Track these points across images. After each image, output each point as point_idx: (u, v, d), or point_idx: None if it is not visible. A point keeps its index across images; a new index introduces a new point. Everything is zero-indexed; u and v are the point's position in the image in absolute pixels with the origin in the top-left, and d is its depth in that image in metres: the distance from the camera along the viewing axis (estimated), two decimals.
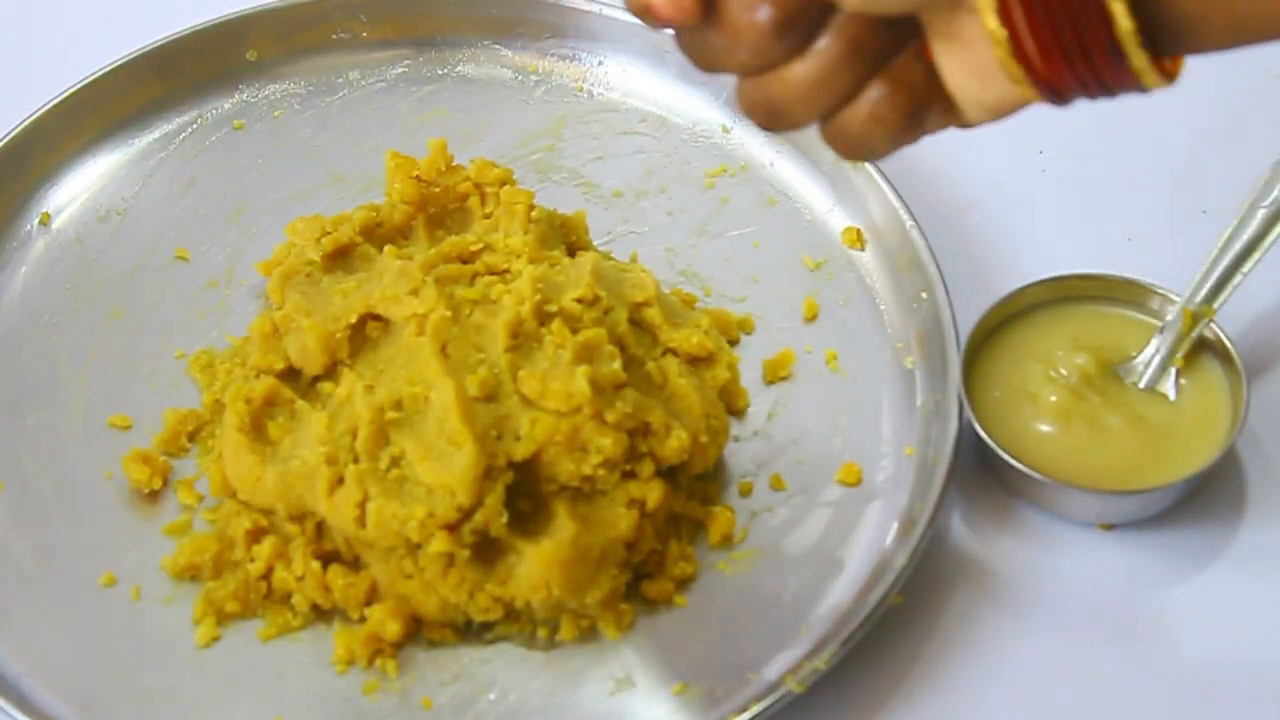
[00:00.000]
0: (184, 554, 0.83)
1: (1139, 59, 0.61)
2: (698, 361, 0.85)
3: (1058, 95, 0.62)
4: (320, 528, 0.81)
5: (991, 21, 0.61)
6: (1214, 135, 0.99)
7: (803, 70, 0.64)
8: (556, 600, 0.78)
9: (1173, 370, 0.86)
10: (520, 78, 1.01)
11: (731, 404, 0.87)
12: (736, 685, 0.78)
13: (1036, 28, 0.60)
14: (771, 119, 0.66)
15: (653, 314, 0.84)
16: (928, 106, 0.65)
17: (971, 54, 0.63)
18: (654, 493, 0.80)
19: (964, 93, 0.64)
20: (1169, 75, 0.62)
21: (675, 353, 0.85)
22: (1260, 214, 0.86)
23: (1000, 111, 0.65)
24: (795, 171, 0.95)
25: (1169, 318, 0.87)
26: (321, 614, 0.82)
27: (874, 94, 0.64)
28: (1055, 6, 0.60)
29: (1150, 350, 0.87)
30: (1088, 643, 0.81)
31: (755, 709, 0.77)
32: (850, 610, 0.79)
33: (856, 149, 0.66)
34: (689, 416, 0.82)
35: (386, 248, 0.87)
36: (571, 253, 0.88)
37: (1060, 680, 0.80)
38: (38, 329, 0.92)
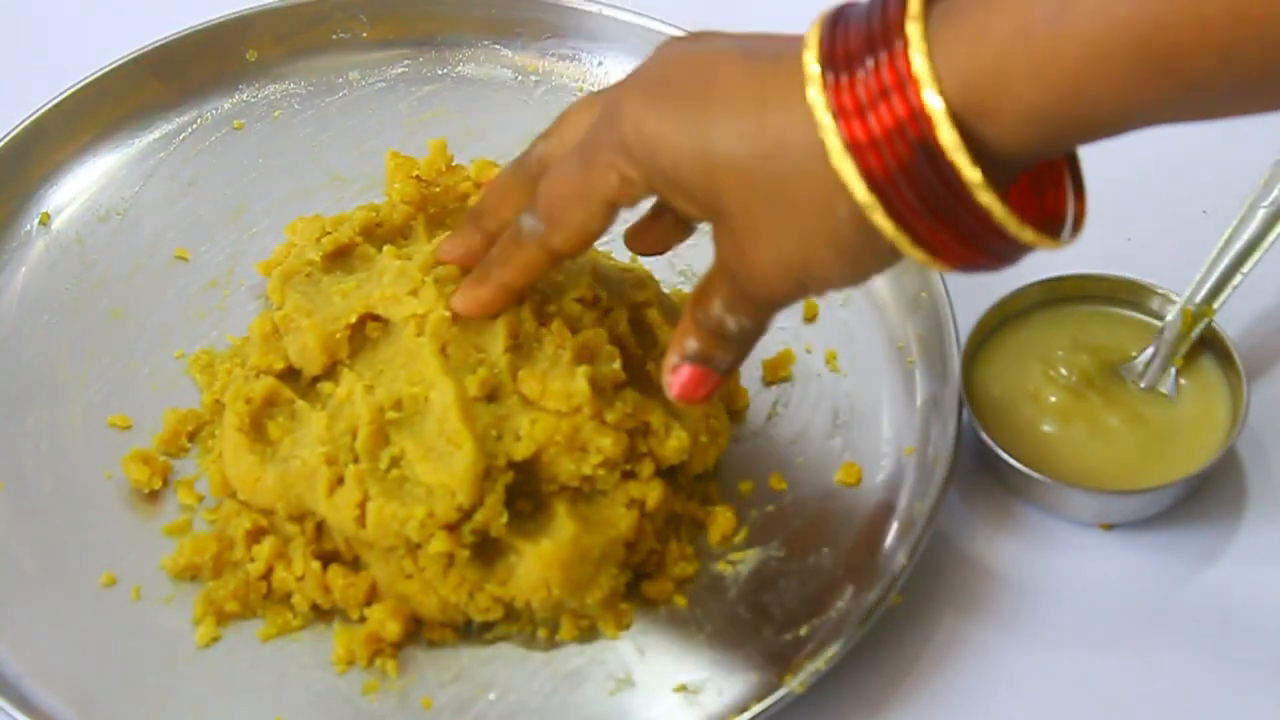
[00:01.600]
0: (184, 554, 0.83)
1: (1000, 212, 0.62)
2: None
3: (964, 267, 0.65)
4: (320, 528, 0.81)
5: (909, 249, 0.64)
6: (1214, 135, 0.98)
7: None
8: (556, 600, 0.78)
9: (1173, 370, 0.86)
10: (520, 78, 1.01)
11: (731, 404, 0.87)
12: (736, 685, 0.78)
13: (924, 226, 0.63)
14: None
15: (653, 314, 0.84)
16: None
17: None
18: (654, 493, 0.80)
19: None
20: (1077, 224, 0.66)
21: None
22: (1260, 214, 0.87)
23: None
24: None
25: (1169, 318, 0.87)
26: (321, 614, 0.82)
27: None
28: (932, 203, 0.62)
29: (1150, 350, 0.87)
30: (1088, 643, 0.81)
31: (755, 709, 0.77)
32: (850, 610, 0.79)
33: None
34: (689, 416, 0.82)
35: (386, 248, 0.87)
36: None
37: (1060, 680, 0.80)
38: (38, 329, 0.92)
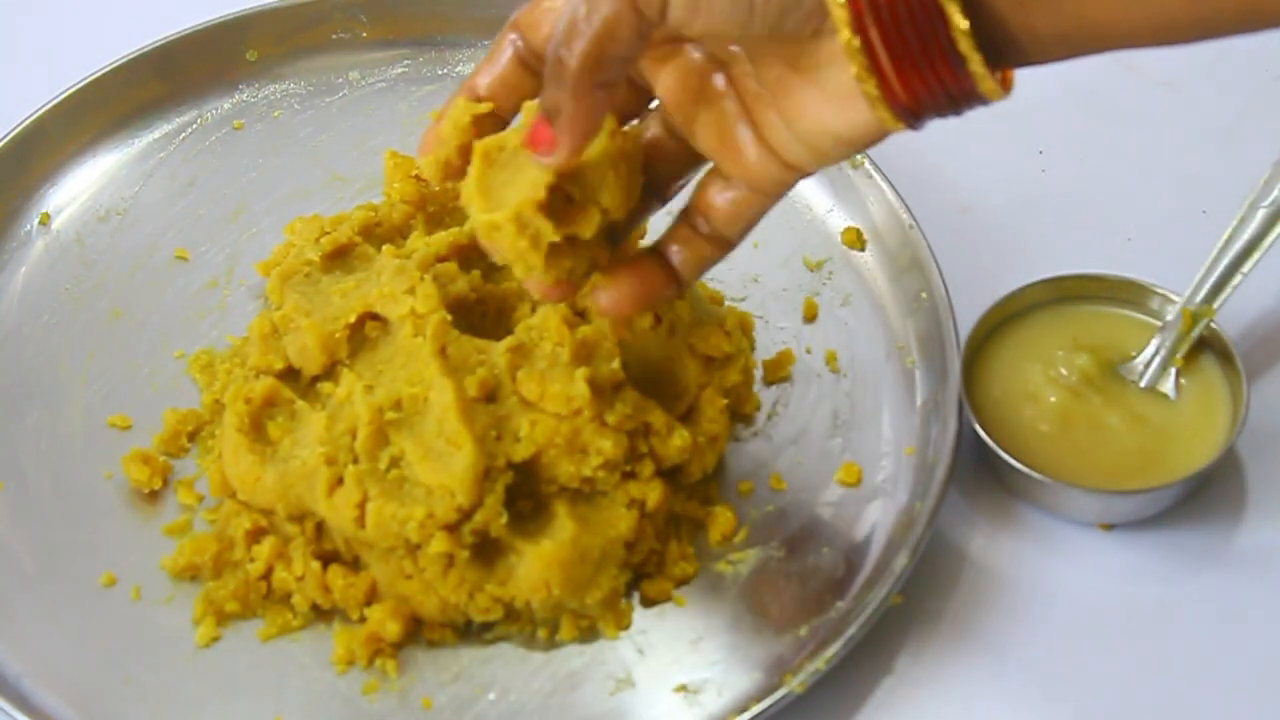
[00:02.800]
0: (184, 554, 0.83)
1: (976, 62, 0.65)
2: (712, 361, 0.85)
3: (908, 110, 0.67)
4: (320, 528, 0.81)
5: (847, 34, 0.65)
6: (1214, 135, 0.99)
7: None
8: (556, 600, 0.78)
9: (1173, 370, 0.86)
10: None
11: (739, 407, 0.87)
12: (737, 685, 0.78)
13: (887, 39, 0.65)
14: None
15: (681, 306, 0.85)
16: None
17: (830, 78, 0.67)
18: (654, 493, 0.80)
19: (823, 121, 0.68)
20: (1005, 86, 0.67)
21: (693, 349, 0.85)
22: (1260, 214, 0.87)
23: (849, 146, 0.69)
24: None
25: (1169, 318, 0.87)
26: (321, 614, 0.82)
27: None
28: (902, 18, 0.64)
29: (1150, 350, 0.87)
30: (1088, 643, 0.81)
31: (755, 709, 0.77)
32: (850, 610, 0.79)
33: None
34: (690, 419, 0.83)
35: (385, 247, 0.87)
36: None
37: (1060, 680, 0.80)
38: (38, 329, 0.92)
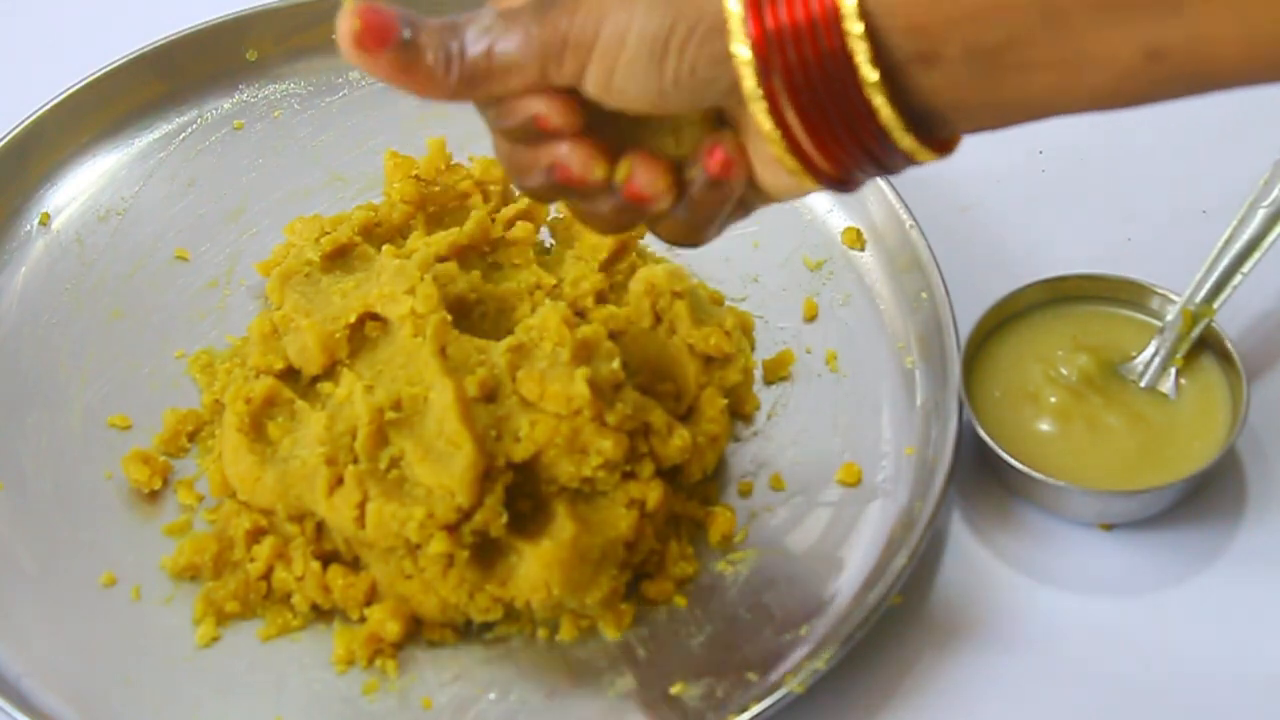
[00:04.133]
0: (184, 554, 0.83)
1: (907, 142, 0.63)
2: (712, 361, 0.85)
3: (837, 182, 0.65)
4: (320, 528, 0.81)
5: (765, 123, 0.63)
6: (1214, 135, 0.99)
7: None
8: (556, 600, 0.78)
9: (1173, 370, 0.86)
10: None
11: (739, 407, 0.87)
12: (736, 685, 0.78)
13: (808, 124, 0.63)
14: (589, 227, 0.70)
15: (681, 306, 0.85)
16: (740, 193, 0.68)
17: (761, 146, 0.66)
18: (654, 493, 0.80)
19: (764, 181, 0.67)
20: (945, 148, 0.65)
21: (693, 349, 0.85)
22: (1260, 214, 0.87)
23: (797, 194, 0.68)
24: None
25: (1169, 318, 0.87)
26: (321, 614, 0.82)
27: (679, 216, 0.68)
28: (824, 104, 0.62)
29: (1150, 350, 0.87)
30: (1088, 643, 0.81)
31: (755, 709, 0.77)
32: (850, 610, 0.79)
33: (672, 241, 0.70)
34: (699, 417, 0.83)
35: (385, 247, 0.87)
36: None
37: (1060, 680, 0.80)
38: (38, 329, 0.92)
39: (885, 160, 0.64)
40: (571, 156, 0.66)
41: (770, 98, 0.63)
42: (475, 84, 0.66)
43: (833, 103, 0.62)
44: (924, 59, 0.61)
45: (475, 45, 0.65)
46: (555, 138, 0.66)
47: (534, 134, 0.66)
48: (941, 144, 0.65)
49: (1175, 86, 0.61)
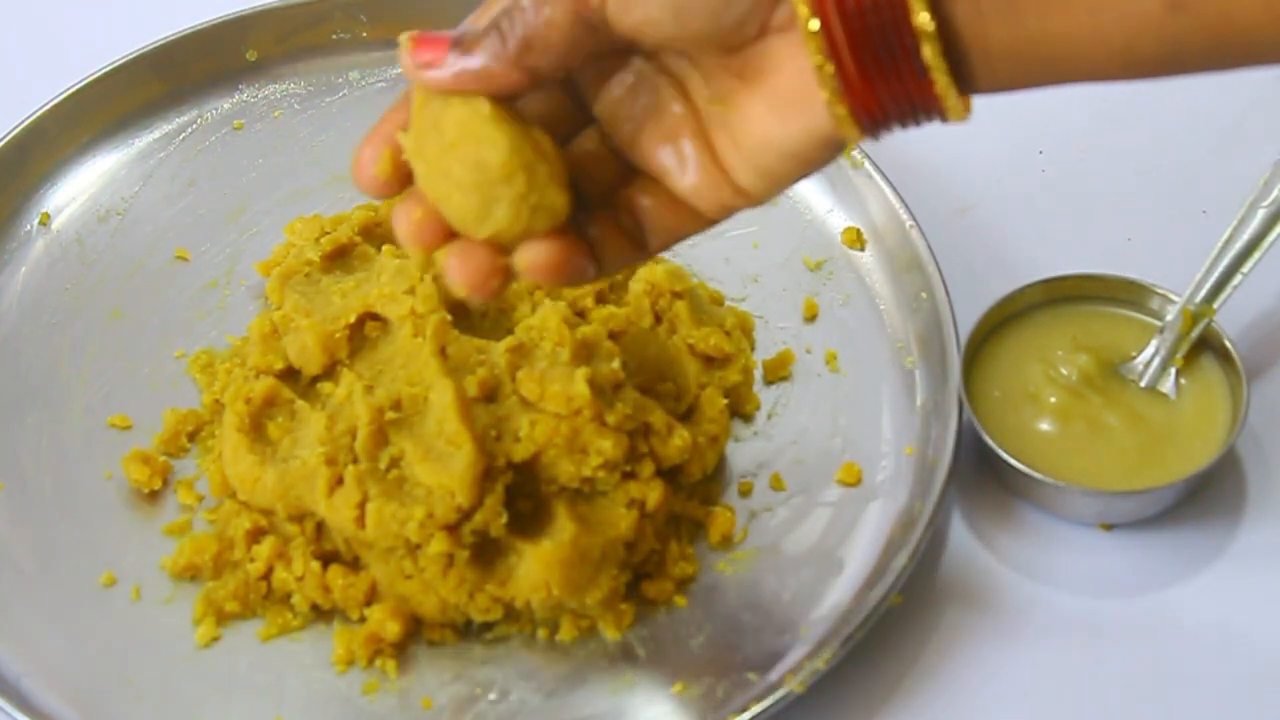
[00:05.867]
0: (184, 554, 0.83)
1: (939, 68, 0.61)
2: (712, 361, 0.85)
3: (868, 112, 0.63)
4: (320, 528, 0.81)
5: (818, 57, 0.61)
6: (1214, 135, 0.99)
7: None
8: (556, 600, 0.78)
9: (1173, 370, 0.86)
10: None
11: (739, 407, 0.87)
12: (736, 685, 0.78)
13: (852, 36, 0.61)
14: None
15: (681, 306, 0.85)
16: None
17: (775, 84, 0.64)
18: (654, 493, 0.80)
19: (767, 134, 0.64)
20: (969, 107, 0.63)
21: (693, 349, 0.85)
22: (1260, 214, 0.87)
23: (795, 161, 0.65)
24: None
25: (1169, 318, 0.87)
26: (321, 614, 0.82)
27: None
28: (875, 43, 0.61)
29: (1150, 350, 0.87)
30: (1088, 643, 0.81)
31: (755, 709, 0.77)
32: (850, 610, 0.79)
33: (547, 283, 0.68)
34: (700, 417, 0.83)
35: (385, 247, 0.87)
36: None
37: (1060, 680, 0.80)
38: (38, 329, 0.92)
39: (924, 113, 0.63)
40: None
41: (826, 31, 0.61)
42: (529, 43, 0.64)
43: (884, 45, 0.61)
44: None
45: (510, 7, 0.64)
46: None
47: None
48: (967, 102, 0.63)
49: (1193, 46, 0.59)
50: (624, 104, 0.67)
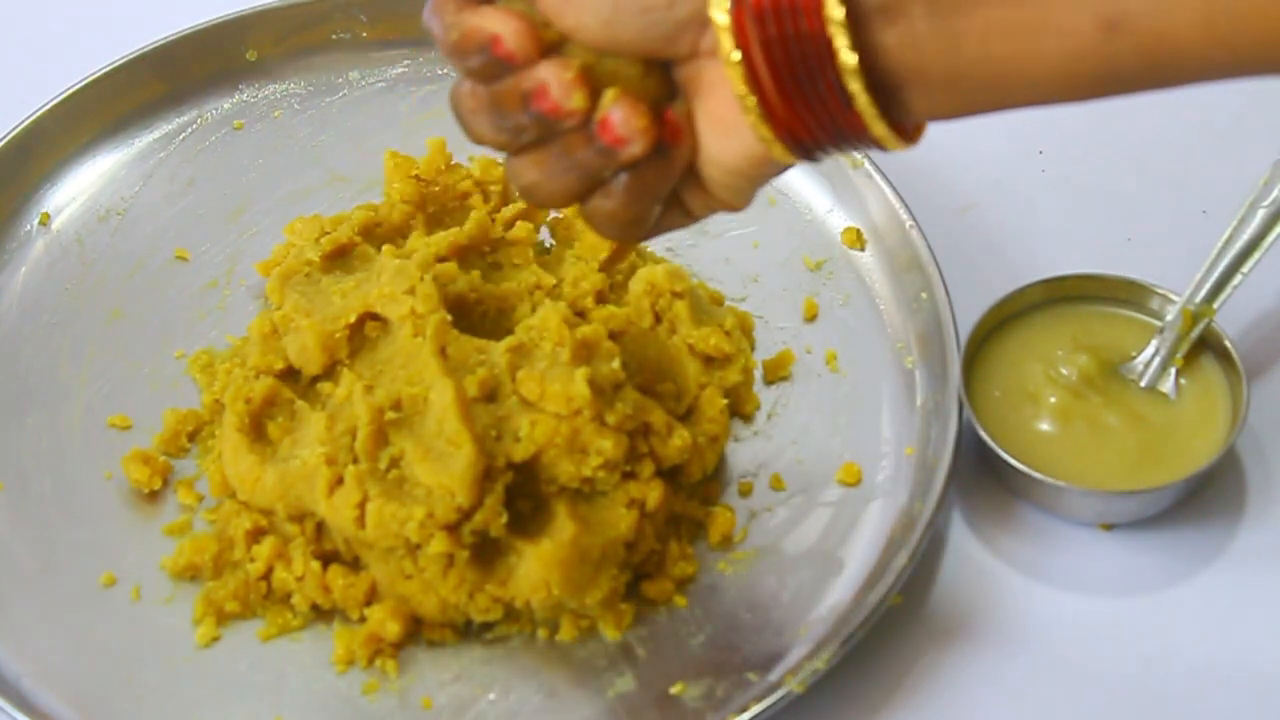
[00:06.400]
0: (184, 554, 0.83)
1: (879, 129, 0.62)
2: (712, 361, 0.85)
3: (796, 139, 0.64)
4: (320, 528, 0.81)
5: (740, 86, 0.62)
6: (1214, 135, 0.99)
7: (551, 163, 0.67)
8: (556, 600, 0.78)
9: (1173, 370, 0.86)
10: None
11: (739, 407, 0.87)
12: (736, 685, 0.78)
13: (774, 68, 0.62)
14: (528, 198, 0.69)
15: (681, 306, 0.85)
16: (665, 196, 0.67)
17: (714, 102, 0.65)
18: (654, 493, 0.80)
19: (709, 150, 0.66)
20: (908, 137, 0.64)
21: (693, 349, 0.85)
22: (1260, 214, 0.87)
23: (740, 176, 0.66)
24: (795, 171, 0.94)
25: (1169, 318, 0.87)
26: (321, 614, 0.82)
27: (620, 184, 0.66)
28: (799, 77, 0.61)
29: (1150, 350, 0.87)
30: (1088, 643, 0.81)
31: (755, 709, 0.77)
32: (850, 610, 0.79)
33: (606, 230, 0.69)
34: (700, 417, 0.83)
35: (385, 247, 0.87)
36: None
37: (1060, 680, 0.80)
38: (38, 329, 0.92)
39: (855, 141, 0.64)
40: (552, 79, 0.64)
41: (748, 63, 0.62)
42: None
43: (808, 77, 0.62)
44: (886, 12, 0.60)
45: None
46: (514, 66, 0.65)
47: (495, 65, 0.65)
48: (910, 132, 0.64)
49: (1131, 67, 0.60)
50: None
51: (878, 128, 0.62)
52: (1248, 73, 0.59)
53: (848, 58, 0.61)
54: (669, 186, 0.67)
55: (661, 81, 0.66)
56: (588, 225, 0.69)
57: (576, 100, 0.64)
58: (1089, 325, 0.88)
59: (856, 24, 0.61)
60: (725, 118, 0.65)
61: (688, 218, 0.70)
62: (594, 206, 0.68)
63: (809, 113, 0.63)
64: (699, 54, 0.64)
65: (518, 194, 0.70)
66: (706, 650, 0.80)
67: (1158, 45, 0.59)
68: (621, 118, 0.64)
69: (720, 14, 0.62)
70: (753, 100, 0.63)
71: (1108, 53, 0.59)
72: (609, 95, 0.64)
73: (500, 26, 0.64)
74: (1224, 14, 0.58)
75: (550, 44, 0.65)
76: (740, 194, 0.68)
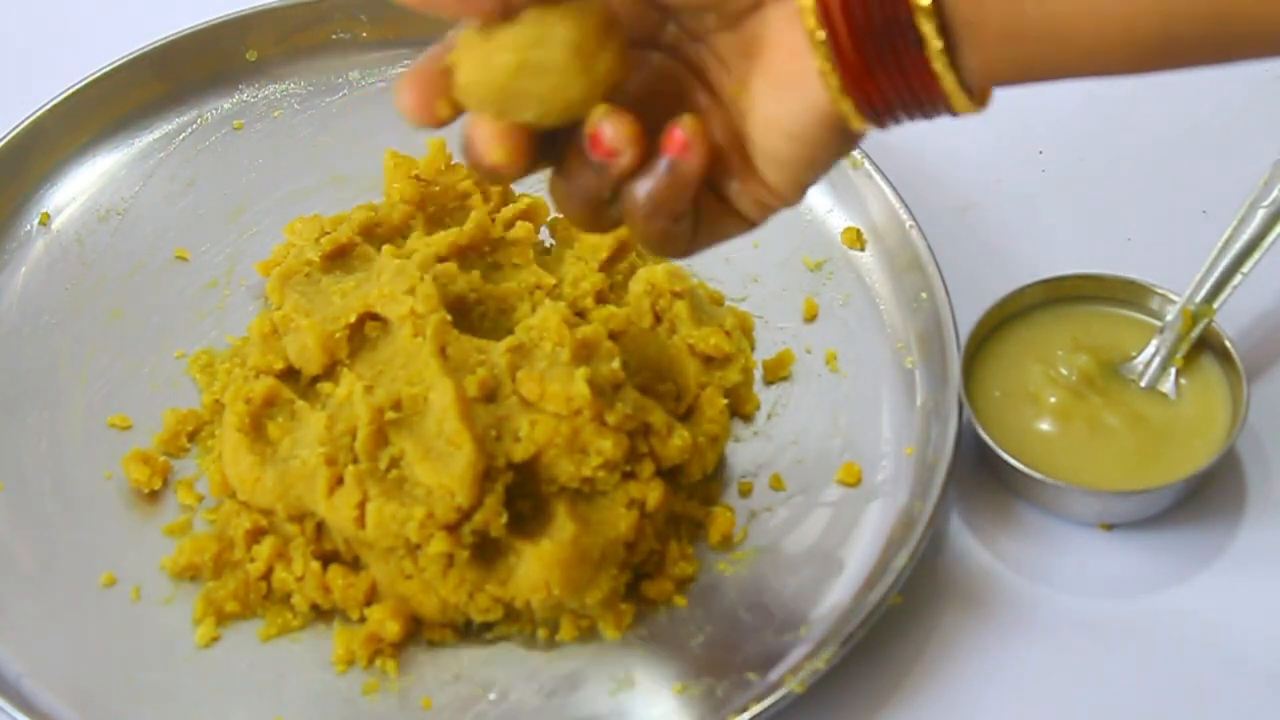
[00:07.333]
0: (184, 554, 0.83)
1: (935, 47, 0.60)
2: (712, 361, 0.85)
3: (863, 91, 0.62)
4: (320, 528, 0.81)
5: (814, 26, 0.61)
6: (1214, 135, 0.99)
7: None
8: (556, 600, 0.78)
9: (1173, 370, 0.86)
10: None
11: (739, 407, 0.87)
12: (736, 685, 0.78)
13: (846, 5, 0.60)
14: (574, 225, 0.68)
15: (681, 306, 0.85)
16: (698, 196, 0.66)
17: (778, 56, 0.63)
18: (654, 493, 0.80)
19: (768, 111, 0.64)
20: (980, 100, 0.62)
21: (693, 349, 0.85)
22: (1260, 214, 0.87)
23: (800, 143, 0.64)
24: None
25: (1169, 318, 0.87)
26: (321, 614, 0.82)
27: (633, 204, 0.65)
28: (874, 24, 0.60)
29: (1150, 350, 0.87)
30: (1088, 643, 0.81)
31: (755, 709, 0.77)
32: (850, 610, 0.79)
33: (647, 247, 0.68)
34: (700, 417, 0.83)
35: (385, 247, 0.87)
36: None
37: (1060, 680, 0.80)
38: (38, 329, 0.92)
39: (922, 96, 0.62)
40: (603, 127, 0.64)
41: (822, 4, 0.61)
42: None
43: (880, 18, 0.60)
44: None
45: None
46: None
47: None
48: (976, 94, 0.63)
49: (1193, 29, 0.59)
50: (646, 102, 0.66)
51: (947, 78, 0.61)
52: None
53: (935, 44, 0.60)
54: (683, 202, 0.66)
55: (662, 87, 0.66)
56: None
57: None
58: (1089, 325, 0.88)
59: None
60: (788, 70, 0.63)
61: (743, 223, 0.68)
62: (628, 227, 0.67)
63: (878, 60, 0.61)
64: (764, 3, 0.63)
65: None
66: (706, 650, 0.80)
67: (1220, 5, 0.58)
68: (611, 130, 0.64)
69: None
70: (822, 35, 0.61)
71: (1169, 10, 0.58)
72: (598, 110, 0.64)
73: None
74: None
75: None
76: (795, 171, 0.65)
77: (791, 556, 0.83)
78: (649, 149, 0.65)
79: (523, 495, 0.79)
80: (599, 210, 0.67)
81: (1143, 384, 0.86)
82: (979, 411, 0.85)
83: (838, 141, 0.64)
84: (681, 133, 0.64)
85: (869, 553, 0.82)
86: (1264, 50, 0.60)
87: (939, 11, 0.60)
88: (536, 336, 0.81)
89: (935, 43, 0.60)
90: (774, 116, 0.64)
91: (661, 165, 0.65)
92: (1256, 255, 0.86)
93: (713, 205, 0.67)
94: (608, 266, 0.88)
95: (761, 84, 0.64)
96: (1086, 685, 0.80)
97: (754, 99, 0.64)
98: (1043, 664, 0.81)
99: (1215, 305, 0.86)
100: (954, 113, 0.63)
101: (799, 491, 0.85)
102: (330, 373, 0.84)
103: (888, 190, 0.92)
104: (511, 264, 0.88)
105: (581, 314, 0.84)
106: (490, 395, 0.80)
